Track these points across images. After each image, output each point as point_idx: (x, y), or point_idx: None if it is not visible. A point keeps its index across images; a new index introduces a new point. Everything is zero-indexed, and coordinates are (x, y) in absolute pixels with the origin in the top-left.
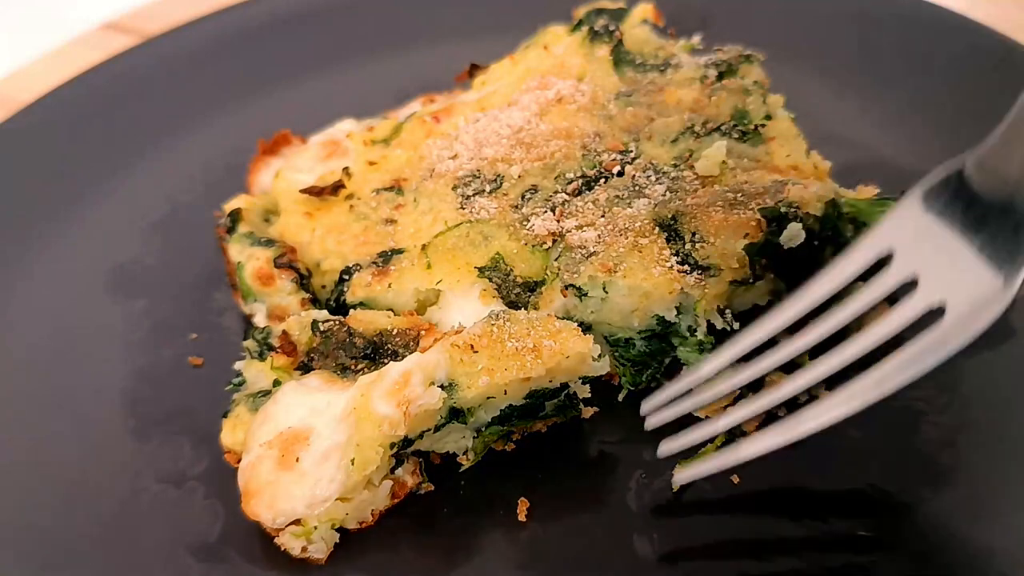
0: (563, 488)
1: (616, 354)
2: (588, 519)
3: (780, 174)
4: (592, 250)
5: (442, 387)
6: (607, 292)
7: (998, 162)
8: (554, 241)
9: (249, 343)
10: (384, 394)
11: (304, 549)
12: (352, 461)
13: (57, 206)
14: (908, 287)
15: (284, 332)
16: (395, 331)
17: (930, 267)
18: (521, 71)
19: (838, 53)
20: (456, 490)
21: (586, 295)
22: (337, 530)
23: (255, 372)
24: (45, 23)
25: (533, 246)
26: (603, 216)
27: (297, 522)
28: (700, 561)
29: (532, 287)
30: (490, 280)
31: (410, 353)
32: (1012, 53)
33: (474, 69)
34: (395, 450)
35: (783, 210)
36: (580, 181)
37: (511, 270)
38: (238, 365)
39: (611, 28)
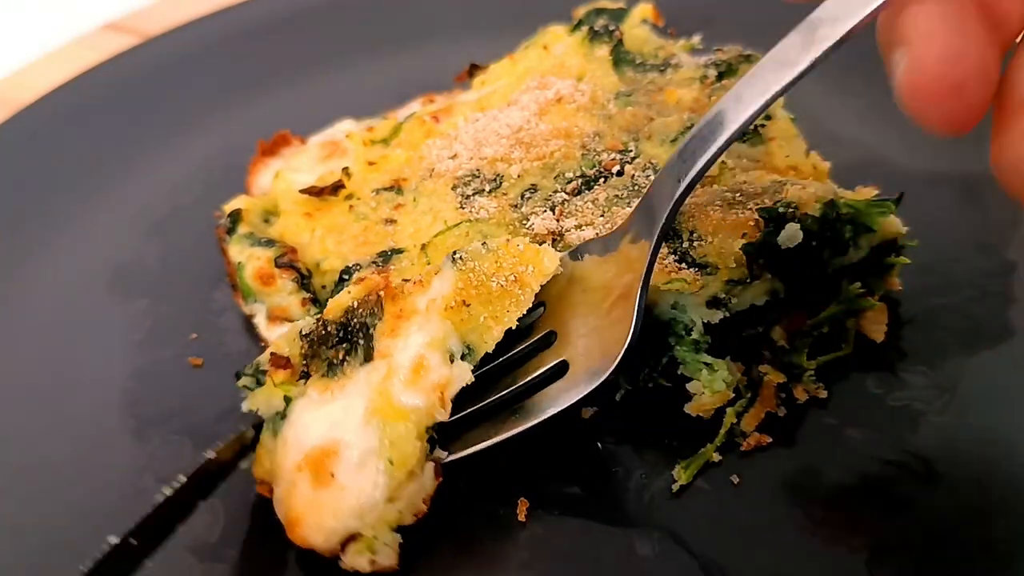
0: (563, 488)
1: None
2: (588, 519)
3: (779, 174)
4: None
5: (463, 356)
6: None
7: (627, 241)
8: (553, 240)
9: (244, 380)
10: (405, 385)
11: (373, 562)
12: (390, 460)
13: (57, 206)
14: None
15: (272, 354)
16: (356, 304)
17: (568, 326)
18: (521, 71)
19: (838, 53)
20: (455, 490)
21: None
22: (396, 531)
23: (263, 399)
24: (45, 23)
25: None
26: (603, 215)
27: (354, 538)
28: (700, 561)
29: None
30: None
31: (377, 320)
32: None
33: (474, 69)
34: (429, 435)
35: (781, 210)
36: (580, 180)
37: None
38: (244, 406)
39: (611, 28)
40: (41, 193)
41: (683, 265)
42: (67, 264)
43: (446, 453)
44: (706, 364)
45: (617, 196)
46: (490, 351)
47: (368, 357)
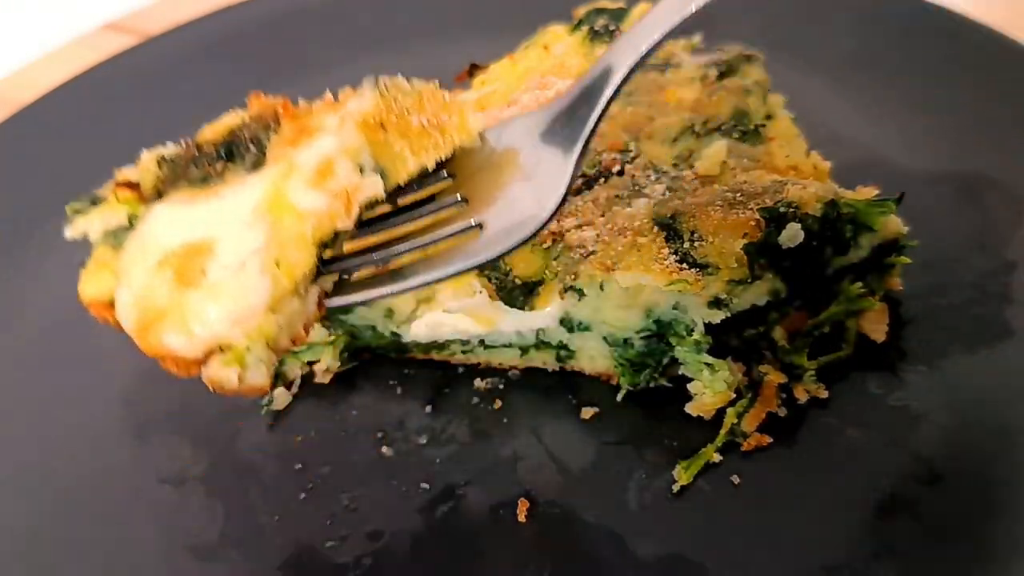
0: (563, 488)
1: (615, 354)
2: (588, 519)
3: (780, 174)
4: (591, 249)
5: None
6: (603, 290)
7: (559, 120)
8: (554, 240)
9: (74, 206)
10: (307, 185)
11: (241, 378)
12: (278, 263)
13: (57, 206)
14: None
15: (118, 183)
16: (248, 120)
17: (481, 192)
18: (521, 71)
19: (838, 53)
20: (456, 490)
21: (584, 295)
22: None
23: (99, 217)
24: (45, 23)
25: (532, 245)
26: (603, 215)
27: (222, 350)
28: (700, 561)
29: (531, 287)
30: (489, 279)
31: (272, 135)
32: (1012, 53)
33: (474, 69)
34: (322, 250)
35: (782, 210)
36: (580, 180)
37: (510, 269)
38: (68, 232)
39: (611, 28)
40: (41, 193)
41: (684, 265)
42: (67, 264)
43: (332, 285)
44: (707, 364)
45: (617, 196)
46: (402, 183)
47: (258, 166)
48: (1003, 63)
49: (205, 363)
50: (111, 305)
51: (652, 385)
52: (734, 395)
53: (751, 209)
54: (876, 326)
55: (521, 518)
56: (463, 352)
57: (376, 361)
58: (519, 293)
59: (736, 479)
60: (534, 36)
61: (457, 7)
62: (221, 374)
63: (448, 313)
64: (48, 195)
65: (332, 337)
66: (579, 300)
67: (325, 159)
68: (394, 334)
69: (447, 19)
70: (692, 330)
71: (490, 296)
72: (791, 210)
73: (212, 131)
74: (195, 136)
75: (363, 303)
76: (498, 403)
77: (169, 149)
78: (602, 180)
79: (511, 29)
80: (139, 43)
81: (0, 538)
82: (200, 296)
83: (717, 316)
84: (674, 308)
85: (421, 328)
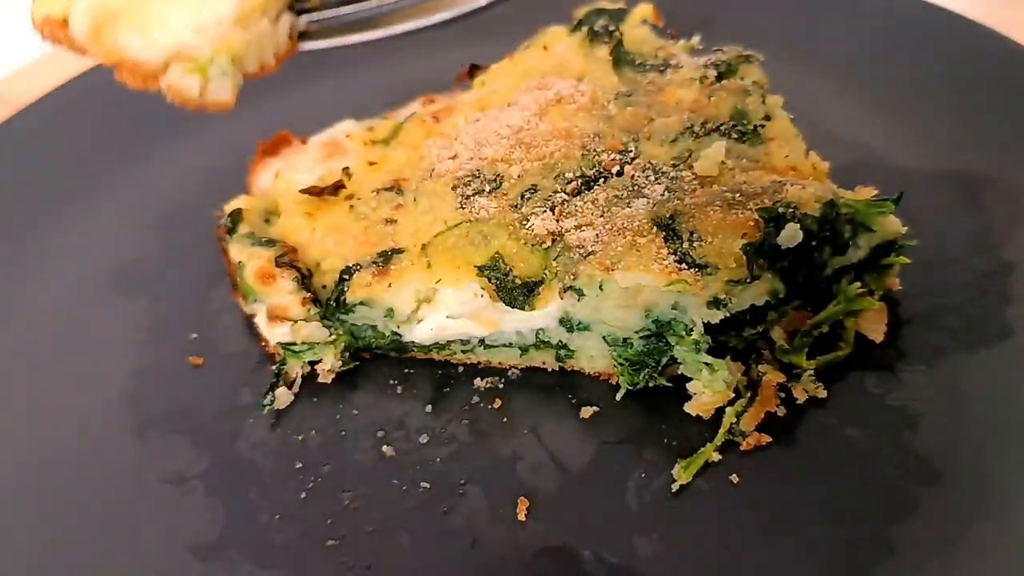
0: (563, 488)
1: (615, 354)
2: (588, 519)
3: (779, 174)
4: (590, 249)
5: None
6: (603, 290)
7: None
8: (553, 241)
9: None
10: None
11: (203, 89)
12: None
13: (57, 206)
14: None
15: None
16: None
17: None
18: (521, 71)
19: (838, 53)
20: (456, 489)
21: (584, 295)
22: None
23: None
24: None
25: (532, 245)
26: (602, 216)
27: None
28: (700, 561)
29: (531, 287)
30: (489, 280)
31: None
32: (1012, 53)
33: (474, 69)
34: None
35: (781, 210)
36: (579, 181)
37: (510, 270)
38: (35, 10)
39: (611, 28)
40: (41, 193)
41: (683, 265)
42: (67, 264)
43: (306, 21)
44: (706, 364)
45: (617, 196)
46: None
47: None
48: (1003, 63)
49: (164, 72)
50: (64, 23)
51: (651, 385)
52: (733, 395)
53: (750, 209)
54: (875, 326)
55: (521, 518)
56: (463, 352)
57: (376, 361)
58: (519, 293)
59: (735, 478)
60: (534, 36)
61: None
62: (182, 82)
63: (451, 319)
64: (48, 195)
65: (333, 337)
66: (579, 300)
67: None
68: (395, 334)
69: None
70: (691, 330)
71: (491, 297)
72: (790, 210)
73: None
74: None
75: (340, 47)
76: (498, 403)
77: None
78: (602, 180)
79: (511, 29)
80: None
81: (0, 538)
82: (161, 3)
83: (716, 316)
84: (673, 308)
85: (426, 332)
